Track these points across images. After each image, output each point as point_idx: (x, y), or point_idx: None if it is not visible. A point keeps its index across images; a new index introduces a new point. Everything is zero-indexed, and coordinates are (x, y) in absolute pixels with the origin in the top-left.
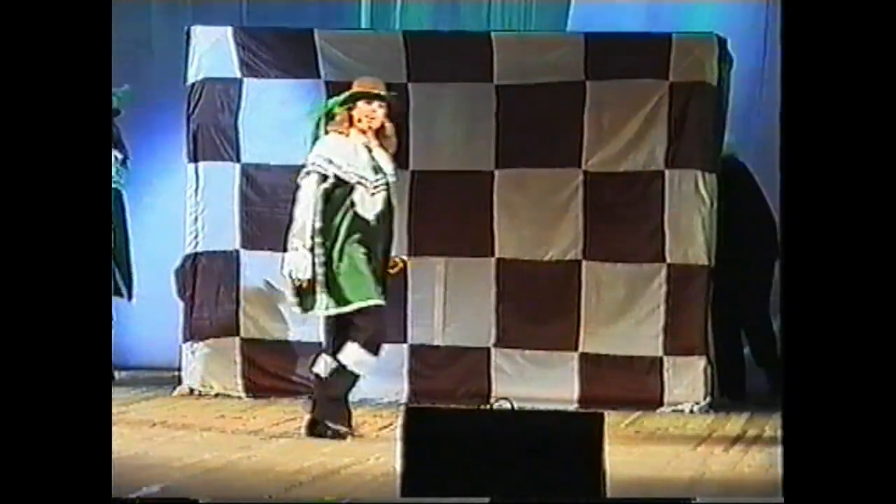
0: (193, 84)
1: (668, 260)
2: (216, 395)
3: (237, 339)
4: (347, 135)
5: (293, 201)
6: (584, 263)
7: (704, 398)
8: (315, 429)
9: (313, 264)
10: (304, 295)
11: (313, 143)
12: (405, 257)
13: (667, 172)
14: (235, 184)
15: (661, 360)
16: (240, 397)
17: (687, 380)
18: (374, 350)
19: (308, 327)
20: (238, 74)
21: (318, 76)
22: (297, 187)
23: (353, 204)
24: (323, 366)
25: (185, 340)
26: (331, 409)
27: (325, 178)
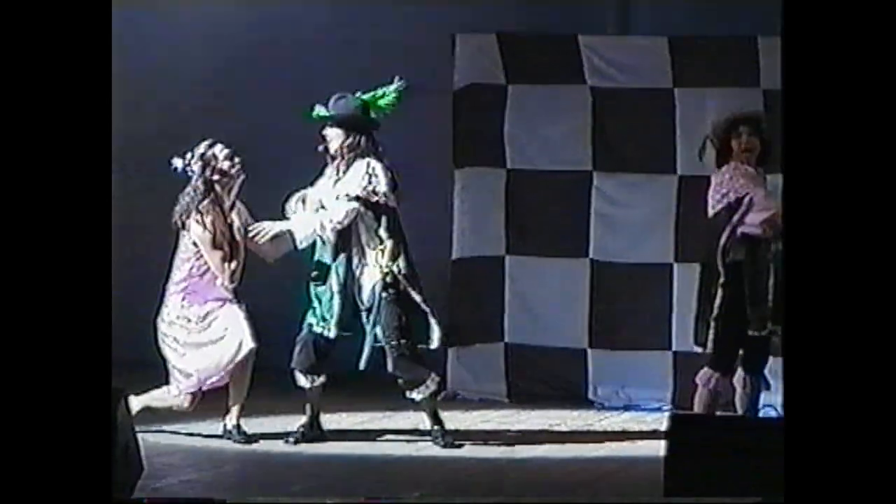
0: (459, 90)
1: None
2: (479, 400)
3: (501, 345)
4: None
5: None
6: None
7: None
8: None
9: None
10: None
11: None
12: None
13: None
14: (501, 189)
15: None
16: (504, 402)
17: None
18: None
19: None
20: (503, 80)
21: (584, 82)
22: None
23: None
24: None
25: (451, 344)
26: None
27: None
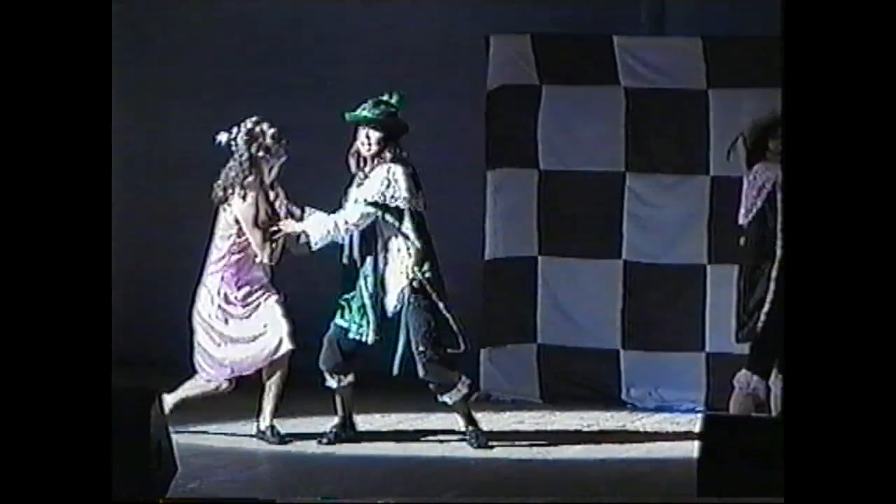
0: (493, 91)
1: None
2: (512, 401)
3: (534, 346)
4: None
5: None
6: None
7: None
8: None
9: None
10: None
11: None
12: None
13: None
14: (534, 190)
15: None
16: (537, 402)
17: None
18: None
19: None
20: (537, 81)
21: (618, 83)
22: None
23: None
24: None
25: (484, 345)
26: None
27: None
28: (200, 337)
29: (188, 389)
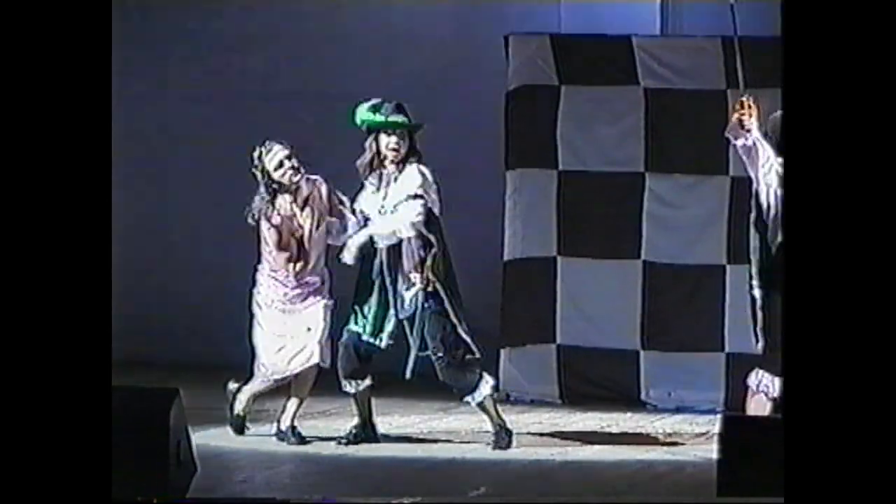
0: (512, 91)
1: None
2: (531, 402)
3: (553, 346)
4: None
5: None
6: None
7: None
8: None
9: None
10: None
11: None
12: None
13: None
14: (553, 190)
15: None
16: (556, 403)
17: None
18: None
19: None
20: (556, 81)
21: (637, 83)
22: None
23: None
24: None
25: (503, 345)
26: None
27: None
28: (256, 332)
29: (256, 385)
